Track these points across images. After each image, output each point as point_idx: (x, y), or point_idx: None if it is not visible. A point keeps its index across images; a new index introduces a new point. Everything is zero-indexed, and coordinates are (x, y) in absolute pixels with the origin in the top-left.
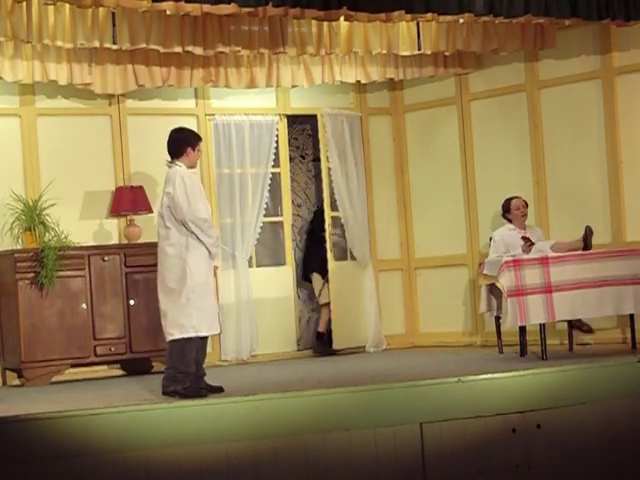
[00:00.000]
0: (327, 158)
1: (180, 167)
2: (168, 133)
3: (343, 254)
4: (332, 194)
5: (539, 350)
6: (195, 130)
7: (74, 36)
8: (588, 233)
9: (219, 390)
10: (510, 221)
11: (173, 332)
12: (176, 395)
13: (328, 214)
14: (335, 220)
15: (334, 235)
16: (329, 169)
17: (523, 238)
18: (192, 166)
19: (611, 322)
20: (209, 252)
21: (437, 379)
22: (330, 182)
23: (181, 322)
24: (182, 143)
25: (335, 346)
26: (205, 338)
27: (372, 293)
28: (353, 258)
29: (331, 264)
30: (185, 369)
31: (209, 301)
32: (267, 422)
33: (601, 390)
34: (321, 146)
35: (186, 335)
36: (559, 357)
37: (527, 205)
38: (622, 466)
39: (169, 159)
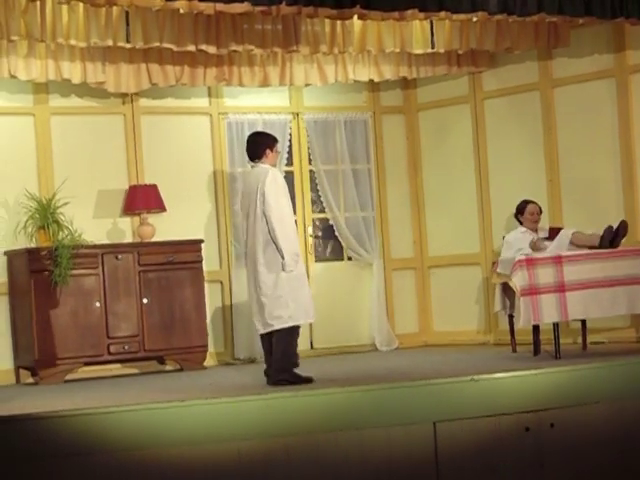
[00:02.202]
0: (309, 161)
1: (266, 166)
2: (246, 137)
3: (331, 255)
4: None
5: (552, 349)
6: (271, 133)
7: (88, 35)
8: (607, 233)
9: (310, 380)
10: (521, 223)
11: (273, 323)
12: (285, 383)
13: (309, 216)
14: (322, 222)
15: (315, 237)
16: (312, 172)
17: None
18: (273, 166)
19: (624, 321)
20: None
21: (450, 378)
22: (315, 185)
23: (279, 313)
24: (261, 146)
25: (316, 345)
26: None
27: (378, 292)
28: (349, 258)
29: (314, 266)
30: (290, 358)
31: (304, 292)
32: (279, 421)
33: (614, 389)
34: (295, 149)
35: (285, 325)
36: (572, 356)
37: (541, 212)
38: (635, 465)
39: (251, 162)
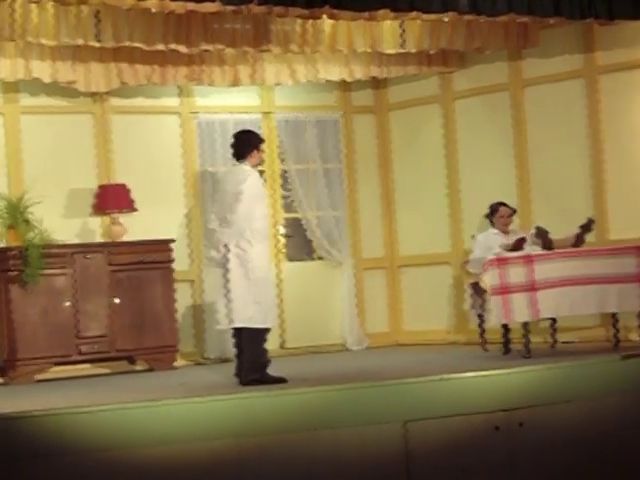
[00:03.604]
0: (281, 160)
1: (247, 168)
2: (232, 135)
3: (301, 255)
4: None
5: (522, 348)
6: (257, 132)
7: (58, 34)
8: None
9: (282, 380)
10: (493, 224)
11: (234, 320)
12: (256, 383)
13: (281, 216)
14: (293, 222)
15: (285, 237)
16: (284, 171)
17: (517, 241)
18: (255, 166)
19: (594, 320)
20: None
21: (421, 377)
22: (287, 184)
23: (243, 313)
24: (248, 145)
25: (287, 345)
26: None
27: (349, 291)
28: (320, 258)
29: (285, 265)
30: (261, 358)
31: (269, 295)
32: (251, 421)
33: (584, 388)
34: (266, 148)
35: (246, 325)
36: (542, 355)
37: (515, 213)
38: (606, 464)
39: (234, 160)
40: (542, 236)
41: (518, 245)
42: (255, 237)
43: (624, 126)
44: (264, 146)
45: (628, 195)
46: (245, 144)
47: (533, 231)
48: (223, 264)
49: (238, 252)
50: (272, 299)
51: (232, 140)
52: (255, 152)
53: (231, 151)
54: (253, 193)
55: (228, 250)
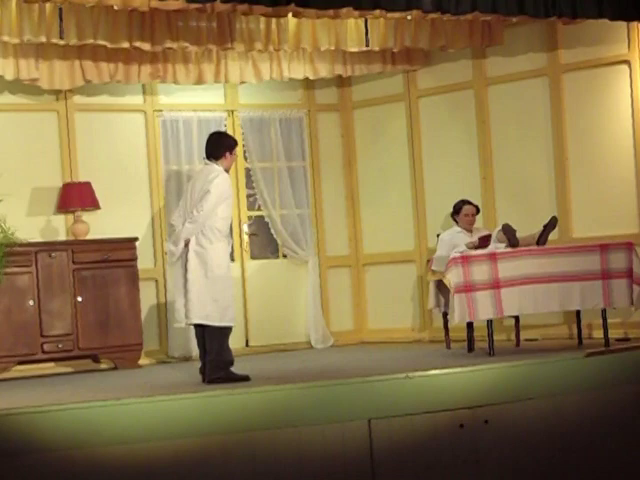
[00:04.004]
0: (245, 158)
1: (219, 168)
2: (207, 136)
3: (266, 253)
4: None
5: (486, 346)
6: (232, 135)
7: (21, 31)
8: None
9: (246, 379)
10: (457, 222)
11: (192, 318)
12: (220, 381)
13: (245, 214)
14: (258, 220)
15: (250, 235)
16: (248, 170)
17: (481, 238)
18: (227, 169)
19: (558, 318)
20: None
21: (385, 375)
22: (251, 182)
23: (201, 310)
24: (222, 148)
25: (252, 343)
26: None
27: (314, 289)
28: (284, 256)
29: (249, 263)
30: (224, 357)
31: (228, 293)
32: (215, 419)
33: (548, 386)
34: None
35: (204, 322)
36: (506, 353)
37: (479, 211)
38: (569, 461)
39: (206, 159)
40: (508, 233)
41: (483, 242)
42: (215, 235)
43: (587, 125)
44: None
45: (591, 193)
46: (219, 146)
47: (499, 228)
48: (182, 262)
49: (198, 249)
50: (230, 297)
51: (207, 140)
52: (228, 155)
53: (204, 151)
54: (219, 193)
55: (188, 247)
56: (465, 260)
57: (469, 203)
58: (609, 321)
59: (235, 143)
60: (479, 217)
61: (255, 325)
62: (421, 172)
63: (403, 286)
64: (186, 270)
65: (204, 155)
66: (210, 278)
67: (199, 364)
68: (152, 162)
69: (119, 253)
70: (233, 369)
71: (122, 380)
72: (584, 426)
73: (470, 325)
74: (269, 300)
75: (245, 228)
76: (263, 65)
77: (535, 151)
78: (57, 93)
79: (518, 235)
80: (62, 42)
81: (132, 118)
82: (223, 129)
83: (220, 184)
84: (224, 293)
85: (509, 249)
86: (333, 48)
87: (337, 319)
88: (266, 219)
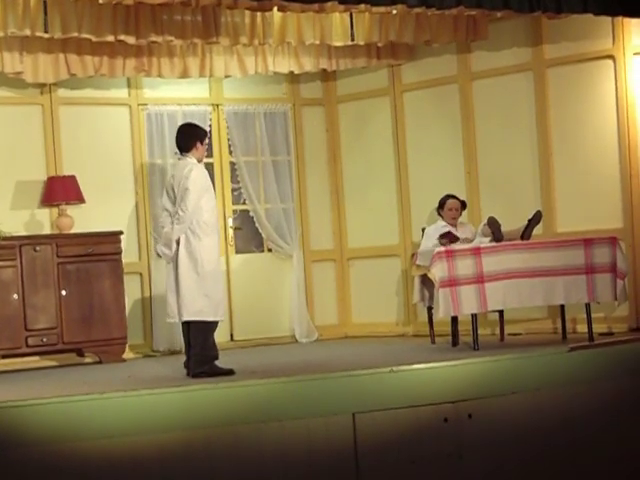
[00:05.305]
0: (230, 152)
1: (193, 161)
2: (177, 128)
3: (250, 247)
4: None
5: (471, 340)
6: (201, 126)
7: (5, 24)
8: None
9: (230, 373)
10: (442, 217)
11: (183, 314)
12: (204, 375)
13: (230, 208)
14: (242, 214)
15: (235, 229)
16: (233, 164)
17: (444, 235)
18: (200, 160)
19: (542, 312)
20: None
21: (369, 369)
22: (236, 176)
23: (192, 306)
24: (192, 138)
25: (237, 337)
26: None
27: (298, 284)
28: (269, 250)
29: (234, 257)
30: (209, 351)
31: (218, 288)
32: (199, 413)
33: (532, 380)
34: (215, 140)
35: (196, 318)
36: (490, 347)
37: (465, 207)
38: (553, 455)
39: (179, 153)
40: (493, 226)
41: (446, 237)
42: (204, 230)
43: (571, 119)
44: (208, 139)
45: (576, 188)
46: (189, 137)
47: (484, 222)
48: (173, 259)
49: (187, 246)
50: (221, 292)
51: (176, 133)
52: (199, 145)
53: (175, 143)
54: (198, 187)
55: (178, 245)
56: (450, 254)
57: (454, 197)
58: (593, 316)
59: (205, 133)
60: (464, 212)
61: (240, 319)
62: (405, 166)
63: (388, 280)
64: (177, 267)
65: (175, 149)
66: (201, 274)
67: (184, 358)
68: (137, 156)
69: (104, 247)
70: (218, 363)
71: (106, 374)
72: (568, 420)
73: (454, 319)
74: (254, 294)
75: (230, 222)
76: (248, 59)
77: (519, 146)
78: (41, 86)
79: (503, 230)
80: (46, 35)
81: (117, 112)
82: (208, 123)
83: (197, 178)
84: (215, 288)
85: (493, 244)
86: (318, 42)
87: (321, 313)
88: (251, 213)
